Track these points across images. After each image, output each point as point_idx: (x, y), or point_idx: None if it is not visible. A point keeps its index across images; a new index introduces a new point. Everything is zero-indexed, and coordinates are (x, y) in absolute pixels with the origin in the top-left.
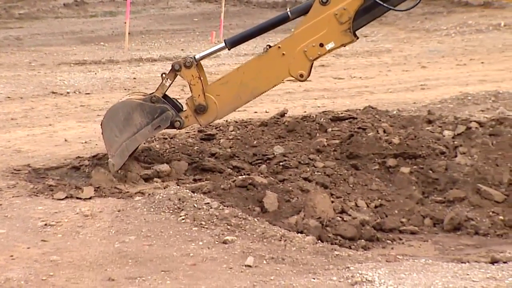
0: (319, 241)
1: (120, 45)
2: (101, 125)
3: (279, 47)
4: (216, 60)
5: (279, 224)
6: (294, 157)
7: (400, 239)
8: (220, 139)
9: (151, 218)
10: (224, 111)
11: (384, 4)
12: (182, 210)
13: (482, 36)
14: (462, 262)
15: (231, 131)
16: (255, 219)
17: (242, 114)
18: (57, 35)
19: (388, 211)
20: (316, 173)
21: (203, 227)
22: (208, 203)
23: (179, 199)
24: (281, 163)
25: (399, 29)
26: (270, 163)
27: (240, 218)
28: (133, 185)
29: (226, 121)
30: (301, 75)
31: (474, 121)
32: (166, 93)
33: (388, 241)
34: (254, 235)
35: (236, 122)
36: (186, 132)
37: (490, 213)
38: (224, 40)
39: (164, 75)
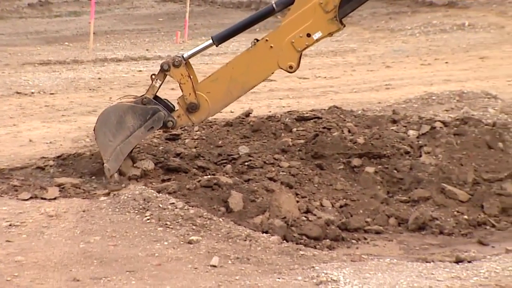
0: (284, 241)
1: (84, 45)
2: (94, 130)
3: (266, 40)
4: None
5: (244, 224)
6: (259, 157)
7: (365, 238)
8: (185, 139)
9: (116, 219)
10: (216, 108)
11: None
12: (147, 210)
13: (446, 36)
14: (427, 262)
15: (196, 131)
16: (220, 219)
17: None
18: (22, 35)
19: (353, 211)
20: (281, 173)
21: (168, 227)
22: (173, 203)
23: (144, 199)
24: (246, 163)
25: (364, 29)
26: (235, 163)
27: (205, 218)
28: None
29: None
30: (291, 67)
31: (439, 120)
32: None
33: (353, 241)
34: (219, 235)
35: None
36: None
37: (455, 212)
38: (211, 36)
39: (153, 76)
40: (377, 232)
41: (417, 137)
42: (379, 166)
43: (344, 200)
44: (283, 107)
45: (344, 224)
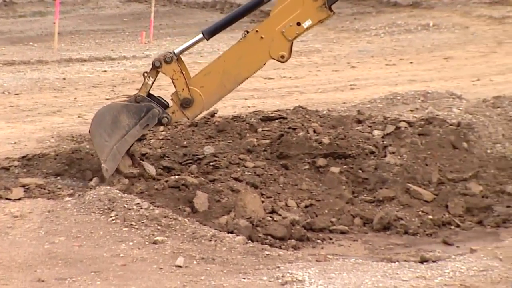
0: (250, 241)
1: (49, 45)
2: (89, 132)
3: (257, 31)
4: None
5: (210, 224)
6: (224, 157)
7: (330, 238)
8: (150, 139)
9: (81, 219)
10: (210, 101)
11: None
12: (113, 210)
13: (411, 36)
14: (391, 262)
15: (161, 131)
16: (186, 219)
17: None
18: None
19: (318, 211)
20: (246, 173)
21: (133, 227)
22: (138, 203)
23: (109, 200)
24: (211, 163)
25: (329, 29)
26: (201, 163)
27: (171, 218)
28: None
29: None
30: (282, 56)
31: (403, 121)
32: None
33: (318, 241)
34: (185, 235)
35: None
36: None
37: (420, 212)
38: (202, 31)
39: (145, 74)
40: (342, 232)
41: (382, 137)
42: (344, 166)
43: (309, 200)
44: (248, 107)
45: (309, 224)
